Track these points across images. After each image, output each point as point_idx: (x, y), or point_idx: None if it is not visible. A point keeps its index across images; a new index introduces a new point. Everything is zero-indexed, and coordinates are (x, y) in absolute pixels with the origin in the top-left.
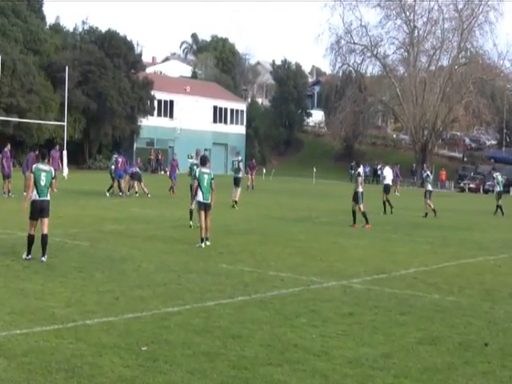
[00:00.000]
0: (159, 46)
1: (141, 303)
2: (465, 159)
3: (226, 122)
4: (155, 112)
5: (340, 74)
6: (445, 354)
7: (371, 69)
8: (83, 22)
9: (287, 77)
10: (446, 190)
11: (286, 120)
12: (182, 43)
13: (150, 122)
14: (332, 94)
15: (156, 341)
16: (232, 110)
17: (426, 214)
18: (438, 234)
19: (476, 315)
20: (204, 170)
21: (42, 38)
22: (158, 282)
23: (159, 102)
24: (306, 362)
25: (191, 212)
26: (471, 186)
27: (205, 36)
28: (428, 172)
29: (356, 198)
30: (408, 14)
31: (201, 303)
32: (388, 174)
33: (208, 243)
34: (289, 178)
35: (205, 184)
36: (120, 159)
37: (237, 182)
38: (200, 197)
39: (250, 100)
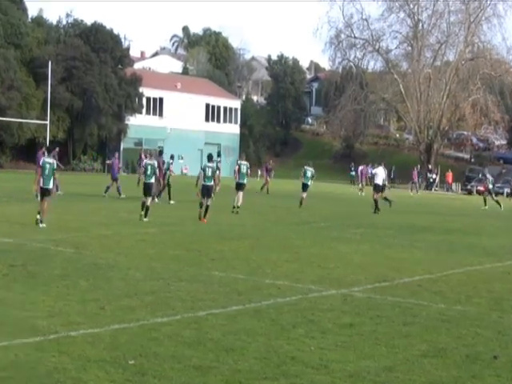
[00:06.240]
0: (148, 40)
1: (128, 313)
2: (472, 160)
3: (218, 121)
4: (144, 110)
5: (340, 70)
6: (451, 367)
7: (373, 64)
8: (67, 15)
9: (284, 73)
10: (452, 193)
11: (282, 119)
12: (173, 37)
13: (138, 121)
14: (331, 91)
15: (144, 354)
16: (225, 108)
17: (384, 206)
18: (443, 239)
19: (484, 325)
20: (48, 159)
21: (23, 31)
22: (146, 290)
23: (148, 99)
24: (304, 375)
25: (147, 208)
26: (479, 188)
27: (197, 29)
28: (372, 169)
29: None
30: (412, 6)
31: (192, 313)
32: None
33: (43, 225)
34: (285, 179)
35: (46, 173)
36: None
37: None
38: (41, 182)
39: (244, 97)
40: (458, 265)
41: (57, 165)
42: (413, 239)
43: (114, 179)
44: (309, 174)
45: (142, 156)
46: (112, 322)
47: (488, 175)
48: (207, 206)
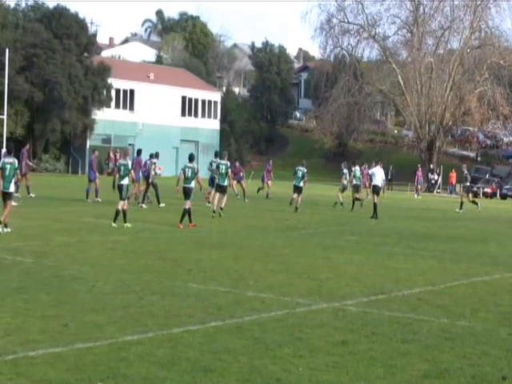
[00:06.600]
0: (117, 25)
1: (94, 331)
2: (478, 159)
3: (196, 116)
4: (113, 103)
5: (331, 59)
6: None
7: (368, 52)
8: None
9: (269, 62)
10: (456, 196)
11: (267, 113)
12: (145, 22)
13: (107, 116)
14: (322, 83)
15: (112, 375)
16: (204, 101)
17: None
18: (446, 247)
19: (492, 343)
20: (8, 160)
21: None
22: (115, 305)
23: (117, 91)
24: None
25: (124, 212)
26: (486, 190)
27: (172, 13)
28: (345, 170)
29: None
30: None
31: (166, 330)
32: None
33: (8, 230)
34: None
35: (6, 174)
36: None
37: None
38: (1, 186)
39: (225, 89)
40: (463, 275)
41: (19, 166)
42: (413, 247)
43: (91, 180)
44: (299, 174)
45: (111, 155)
46: (76, 341)
47: (466, 172)
48: (184, 210)
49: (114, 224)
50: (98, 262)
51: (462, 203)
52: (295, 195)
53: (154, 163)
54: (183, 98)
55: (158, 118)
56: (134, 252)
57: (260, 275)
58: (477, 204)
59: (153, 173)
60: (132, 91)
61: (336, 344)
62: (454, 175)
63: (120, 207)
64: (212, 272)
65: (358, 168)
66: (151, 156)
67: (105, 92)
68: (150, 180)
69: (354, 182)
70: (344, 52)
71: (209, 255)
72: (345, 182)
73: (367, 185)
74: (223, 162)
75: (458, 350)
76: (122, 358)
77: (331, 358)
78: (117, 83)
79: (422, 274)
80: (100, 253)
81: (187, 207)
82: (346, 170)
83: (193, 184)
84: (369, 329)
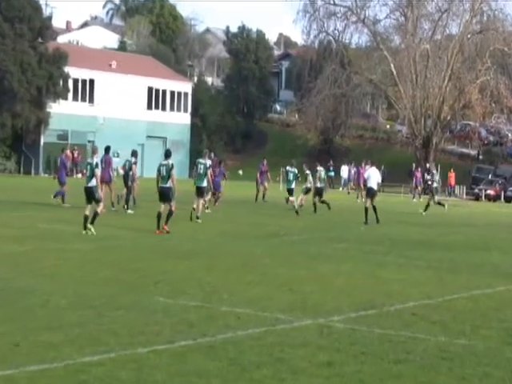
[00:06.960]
0: (75, 7)
1: (49, 351)
2: (480, 157)
3: (164, 109)
4: (70, 95)
5: (316, 45)
6: None
7: (357, 38)
8: None
9: (246, 49)
10: (455, 198)
11: (244, 106)
12: (107, 3)
13: (63, 109)
14: (305, 72)
15: None
16: (172, 93)
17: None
18: (444, 256)
19: (495, 363)
20: None
21: None
22: (72, 321)
23: (75, 81)
24: None
25: (86, 218)
26: (489, 192)
27: None
28: (307, 171)
29: None
30: None
31: (130, 350)
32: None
33: None
34: (247, 182)
35: None
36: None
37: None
38: None
39: (196, 79)
40: (463, 288)
41: None
42: (407, 256)
43: (62, 182)
44: (291, 176)
45: (68, 153)
46: (29, 362)
47: (434, 171)
48: (170, 212)
49: (91, 230)
50: (54, 274)
51: (441, 203)
52: (292, 198)
53: (135, 163)
54: (149, 90)
55: (121, 111)
56: (95, 262)
57: (236, 288)
58: (427, 209)
59: (136, 174)
60: (92, 81)
61: (321, 365)
62: (452, 175)
63: (99, 210)
64: (182, 284)
65: (322, 169)
66: (132, 154)
67: (61, 82)
68: (135, 183)
69: (318, 184)
70: (330, 38)
71: (178, 265)
72: (308, 185)
73: (362, 186)
74: (202, 161)
75: (457, 371)
76: (81, 381)
77: (315, 381)
78: (75, 72)
79: (416, 286)
80: (56, 263)
81: (173, 209)
82: (308, 171)
83: (170, 183)
84: (357, 348)
